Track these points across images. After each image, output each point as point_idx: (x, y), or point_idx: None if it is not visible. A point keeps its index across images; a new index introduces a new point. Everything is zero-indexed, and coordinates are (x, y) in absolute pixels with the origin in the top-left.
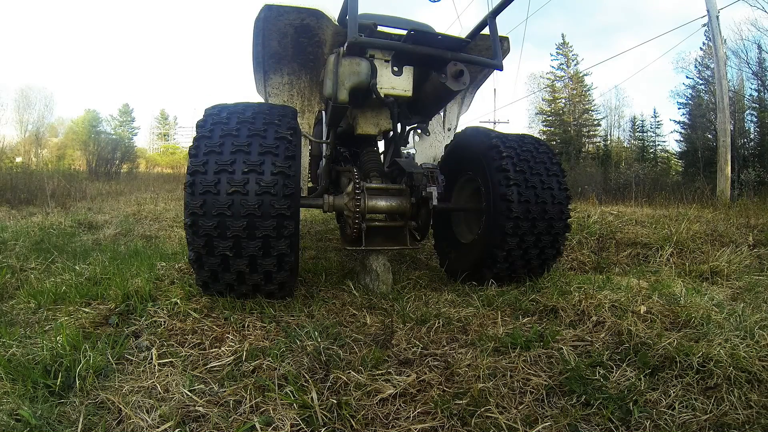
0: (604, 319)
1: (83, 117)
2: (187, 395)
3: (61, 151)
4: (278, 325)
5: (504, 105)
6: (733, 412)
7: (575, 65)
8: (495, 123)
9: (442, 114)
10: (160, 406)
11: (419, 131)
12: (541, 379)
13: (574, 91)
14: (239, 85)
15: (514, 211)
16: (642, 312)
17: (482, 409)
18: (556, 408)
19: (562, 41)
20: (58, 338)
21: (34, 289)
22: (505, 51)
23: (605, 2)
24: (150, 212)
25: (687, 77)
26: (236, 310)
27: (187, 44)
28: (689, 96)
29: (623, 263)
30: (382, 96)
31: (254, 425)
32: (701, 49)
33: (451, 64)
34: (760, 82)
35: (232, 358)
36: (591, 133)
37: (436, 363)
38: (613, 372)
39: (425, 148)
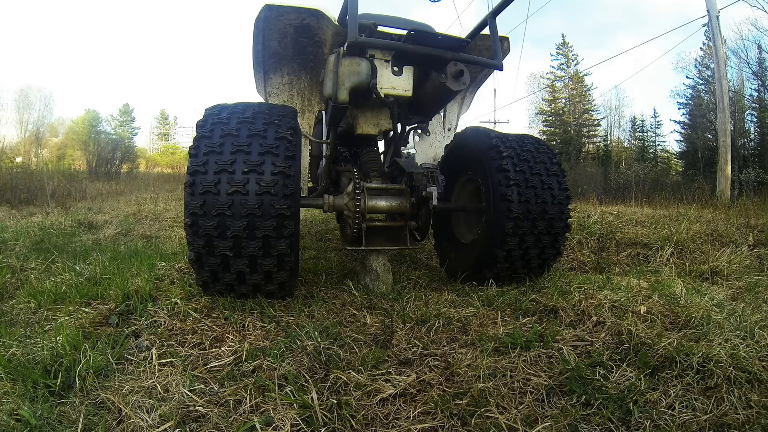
0: (604, 319)
1: (83, 117)
2: (187, 395)
3: (61, 151)
4: (278, 325)
5: (504, 105)
6: (733, 412)
7: (575, 65)
8: (495, 123)
9: (442, 114)
10: (160, 406)
11: (419, 131)
12: (541, 379)
13: (574, 91)
14: (239, 85)
15: (514, 211)
16: (642, 312)
17: (482, 409)
18: (556, 408)
19: (562, 41)
20: (58, 338)
21: (34, 289)
22: (505, 51)
23: (604, 1)
24: (150, 212)
25: (687, 77)
26: (236, 310)
27: (187, 44)
28: (689, 96)
29: (623, 263)
30: (382, 96)
31: (254, 425)
32: (701, 49)
33: (451, 64)
34: (760, 82)
35: (232, 358)
36: (591, 133)
37: (436, 363)
38: (613, 372)
39: (425, 148)
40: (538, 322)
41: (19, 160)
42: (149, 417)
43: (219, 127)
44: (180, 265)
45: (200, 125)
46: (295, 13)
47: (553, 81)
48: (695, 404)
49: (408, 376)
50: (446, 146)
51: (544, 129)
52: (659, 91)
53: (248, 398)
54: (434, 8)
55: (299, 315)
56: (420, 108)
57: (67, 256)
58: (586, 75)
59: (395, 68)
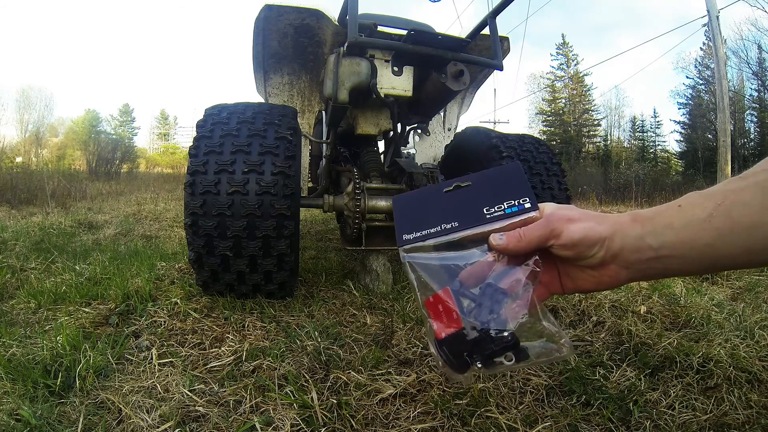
0: (604, 319)
1: (83, 117)
2: (187, 395)
3: (61, 151)
4: (278, 325)
5: (504, 105)
6: (733, 412)
7: (575, 65)
8: (495, 123)
9: (442, 114)
10: (160, 406)
11: (419, 131)
12: (541, 379)
13: (574, 91)
14: (239, 85)
15: None
16: (642, 312)
17: (482, 409)
18: (556, 408)
19: (562, 41)
20: (58, 338)
21: (34, 289)
22: (505, 51)
23: (604, 0)
24: (150, 212)
25: (687, 77)
26: (236, 310)
27: (187, 44)
28: (689, 96)
29: None
30: (382, 96)
31: (254, 425)
32: (701, 49)
33: (451, 64)
34: (760, 82)
35: (232, 358)
36: (591, 133)
37: (436, 363)
38: (613, 372)
39: (425, 148)
40: None
41: (19, 160)
42: (149, 417)
43: (219, 127)
44: (180, 265)
45: (200, 125)
46: (295, 13)
47: (553, 81)
48: (695, 404)
49: (408, 376)
50: (446, 146)
51: (544, 129)
52: (659, 91)
53: (248, 398)
54: (434, 8)
55: (299, 315)
56: (420, 108)
57: (67, 256)
58: (586, 75)
59: (395, 68)
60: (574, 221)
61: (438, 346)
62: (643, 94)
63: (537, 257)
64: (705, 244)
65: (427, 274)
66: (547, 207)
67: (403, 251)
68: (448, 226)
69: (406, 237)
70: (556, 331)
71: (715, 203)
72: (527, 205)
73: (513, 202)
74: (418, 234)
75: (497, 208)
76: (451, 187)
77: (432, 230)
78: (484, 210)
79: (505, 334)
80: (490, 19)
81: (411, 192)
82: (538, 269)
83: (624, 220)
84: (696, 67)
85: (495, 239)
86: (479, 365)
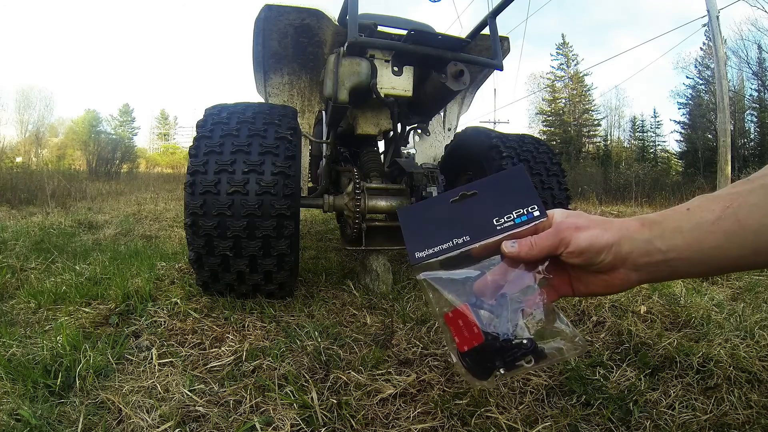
0: (604, 319)
1: (83, 117)
2: (187, 395)
3: (61, 151)
4: (278, 325)
5: (504, 105)
6: (733, 412)
7: (575, 65)
8: (495, 123)
9: (442, 114)
10: (160, 406)
11: (419, 131)
12: (541, 379)
13: (574, 91)
14: (239, 85)
15: None
16: (642, 312)
17: (482, 409)
18: (556, 408)
19: (562, 41)
20: (58, 338)
21: (34, 289)
22: (505, 51)
23: (602, 0)
24: (150, 212)
25: (687, 77)
26: (236, 310)
27: (187, 44)
28: (689, 96)
29: None
30: (382, 96)
31: (254, 425)
32: (701, 49)
33: (452, 64)
34: (760, 82)
35: (232, 358)
36: (591, 133)
37: (436, 363)
38: (613, 372)
39: (425, 148)
40: None
41: (19, 160)
42: (149, 417)
43: (219, 127)
44: (180, 265)
45: (200, 125)
46: (295, 13)
47: (553, 81)
48: (695, 404)
49: (408, 376)
50: (446, 146)
51: (544, 129)
52: (659, 91)
53: (248, 398)
54: (434, 8)
55: (299, 315)
56: (420, 108)
57: (67, 256)
58: (586, 75)
59: (395, 68)
60: (581, 229)
61: (461, 358)
62: (643, 94)
63: (547, 263)
64: (713, 246)
65: (445, 290)
66: (557, 214)
67: (418, 269)
68: (460, 240)
69: (419, 255)
70: (570, 330)
71: (722, 206)
72: (536, 213)
73: (522, 210)
74: (431, 251)
75: (506, 218)
76: (457, 197)
77: (444, 246)
78: (494, 221)
79: (524, 341)
80: (490, 19)
81: (416, 204)
82: (550, 276)
83: (632, 225)
84: (696, 67)
85: (507, 247)
86: (502, 370)
